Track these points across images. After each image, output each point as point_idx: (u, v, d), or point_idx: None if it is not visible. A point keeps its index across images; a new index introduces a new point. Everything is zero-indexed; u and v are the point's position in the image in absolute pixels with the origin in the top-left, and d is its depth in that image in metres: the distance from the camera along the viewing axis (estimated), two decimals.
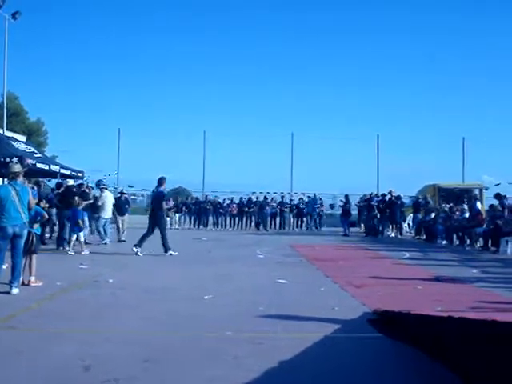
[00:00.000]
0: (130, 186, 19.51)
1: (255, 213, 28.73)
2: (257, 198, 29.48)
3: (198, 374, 4.35)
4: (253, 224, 28.79)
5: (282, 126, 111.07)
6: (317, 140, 51.81)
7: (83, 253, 13.58)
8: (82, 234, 14.12)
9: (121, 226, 18.13)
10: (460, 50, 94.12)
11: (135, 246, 13.67)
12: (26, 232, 8.19)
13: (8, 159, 15.78)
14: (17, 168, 8.37)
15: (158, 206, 14.26)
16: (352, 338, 5.59)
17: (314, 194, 29.29)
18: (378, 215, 24.09)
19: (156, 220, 14.06)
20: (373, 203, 24.33)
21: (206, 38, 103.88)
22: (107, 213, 17.03)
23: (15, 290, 7.84)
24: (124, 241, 17.21)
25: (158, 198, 14.40)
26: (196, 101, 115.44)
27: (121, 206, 18.43)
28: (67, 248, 14.12)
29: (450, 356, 4.39)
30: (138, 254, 13.47)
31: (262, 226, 28.06)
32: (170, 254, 13.58)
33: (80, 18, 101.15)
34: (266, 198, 29.45)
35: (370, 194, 25.93)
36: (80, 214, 14.26)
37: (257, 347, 5.16)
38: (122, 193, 19.17)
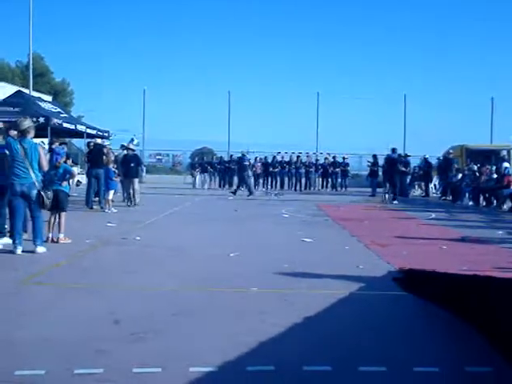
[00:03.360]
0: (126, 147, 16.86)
1: (279, 173, 28.68)
2: (282, 157, 29.36)
3: (223, 328, 4.42)
4: (277, 184, 28.80)
5: (307, 85, 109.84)
6: (343, 100, 51.46)
7: (110, 211, 13.77)
8: (111, 192, 14.28)
9: (131, 190, 15.60)
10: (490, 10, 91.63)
11: (393, 199, 19.18)
12: (35, 192, 7.64)
13: (35, 119, 15.96)
14: (26, 124, 7.75)
15: (392, 168, 19.83)
16: (377, 296, 5.62)
17: None
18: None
19: (392, 178, 19.73)
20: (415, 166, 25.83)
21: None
22: None
23: (40, 249, 7.63)
24: (133, 205, 15.40)
25: (393, 161, 20.17)
26: (220, 60, 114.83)
27: (127, 167, 15.77)
28: (97, 207, 14.41)
29: (474, 314, 4.41)
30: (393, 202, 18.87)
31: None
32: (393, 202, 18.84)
33: None
34: (291, 158, 29.30)
35: (400, 155, 25.77)
36: (111, 172, 14.54)
37: (282, 303, 5.22)
38: (127, 148, 16.46)
